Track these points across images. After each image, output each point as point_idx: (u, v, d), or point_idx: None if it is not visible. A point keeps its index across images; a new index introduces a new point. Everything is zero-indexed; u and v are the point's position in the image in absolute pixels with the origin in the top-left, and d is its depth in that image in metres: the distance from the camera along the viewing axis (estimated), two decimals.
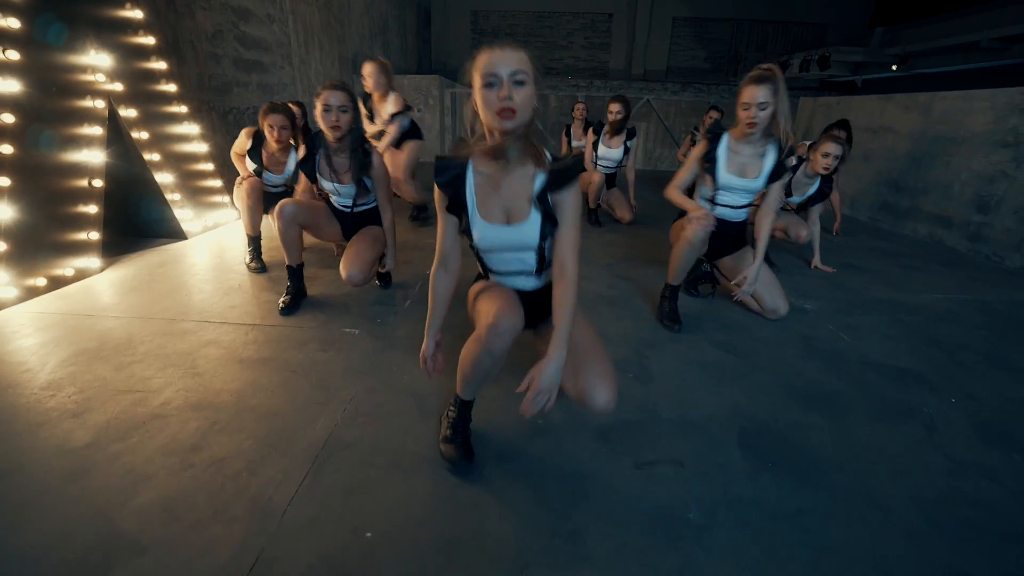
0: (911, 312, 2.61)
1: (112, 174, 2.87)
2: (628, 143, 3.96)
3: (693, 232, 2.10)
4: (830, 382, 1.88)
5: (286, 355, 1.88)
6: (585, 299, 2.50)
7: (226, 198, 3.81)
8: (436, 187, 1.25)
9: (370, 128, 3.69)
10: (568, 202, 1.18)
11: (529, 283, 1.35)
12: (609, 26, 13.01)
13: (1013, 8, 7.22)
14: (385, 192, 2.35)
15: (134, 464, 1.31)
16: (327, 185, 2.33)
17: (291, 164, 2.98)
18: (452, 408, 1.42)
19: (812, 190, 3.10)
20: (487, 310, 1.21)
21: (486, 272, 1.39)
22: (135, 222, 3.31)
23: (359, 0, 8.44)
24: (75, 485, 1.24)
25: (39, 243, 2.41)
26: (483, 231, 1.24)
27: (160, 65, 3.23)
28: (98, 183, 2.71)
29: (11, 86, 2.30)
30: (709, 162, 2.24)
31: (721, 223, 2.29)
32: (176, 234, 3.35)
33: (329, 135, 2.17)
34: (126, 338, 1.96)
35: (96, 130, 2.73)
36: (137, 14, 3.05)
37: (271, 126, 2.70)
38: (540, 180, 1.18)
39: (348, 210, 2.41)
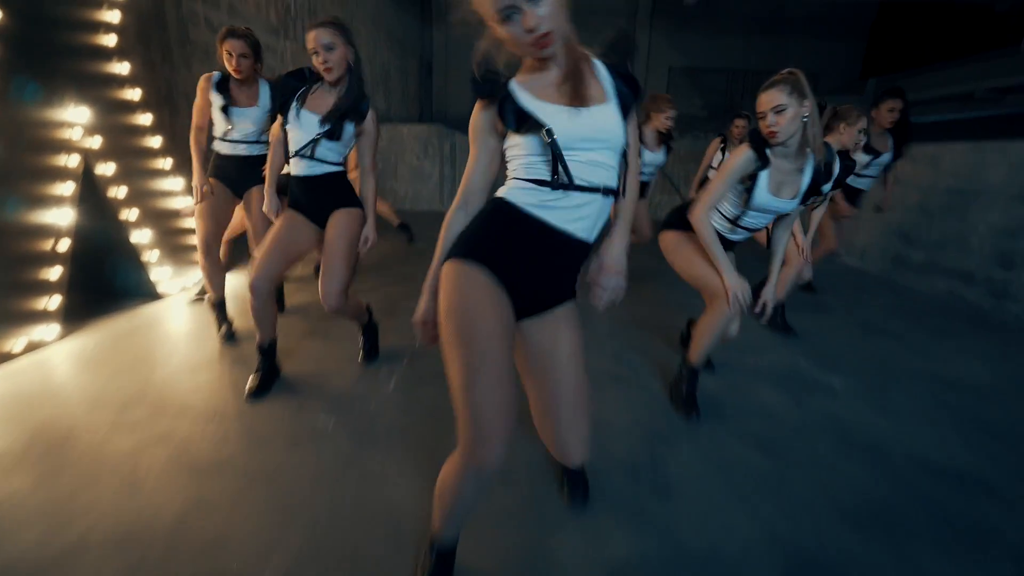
0: (951, 388, 2.36)
1: (82, 234, 2.68)
2: (669, 143, 3.55)
3: (725, 315, 1.85)
4: (878, 489, 1.61)
5: (245, 457, 1.62)
6: (591, 377, 2.26)
7: None
8: (477, 101, 1.04)
9: None
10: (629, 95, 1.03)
11: (595, 224, 1.03)
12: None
13: (1004, 61, 7.30)
14: (371, 156, 2.02)
15: None
16: (292, 121, 1.88)
17: (264, 99, 2.42)
18: (428, 556, 1.13)
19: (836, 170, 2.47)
20: (470, 396, 0.88)
21: (566, 179, 0.97)
22: (108, 283, 3.10)
23: (362, 50, 8.56)
24: None
25: None
26: (561, 119, 0.95)
27: (146, 119, 3.10)
28: (64, 245, 2.52)
29: None
30: (752, 179, 1.82)
31: (726, 243, 2.01)
32: (151, 295, 3.13)
33: (326, 78, 1.84)
34: (63, 434, 1.71)
35: (68, 188, 2.56)
36: (124, 68, 2.95)
37: (229, 52, 2.21)
38: (603, 71, 1.04)
39: (306, 162, 1.92)
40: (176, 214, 3.28)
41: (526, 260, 1.00)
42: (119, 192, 2.87)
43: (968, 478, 1.69)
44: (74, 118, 2.62)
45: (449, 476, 0.97)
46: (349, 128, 1.92)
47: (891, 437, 1.92)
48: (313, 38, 1.76)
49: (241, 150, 2.48)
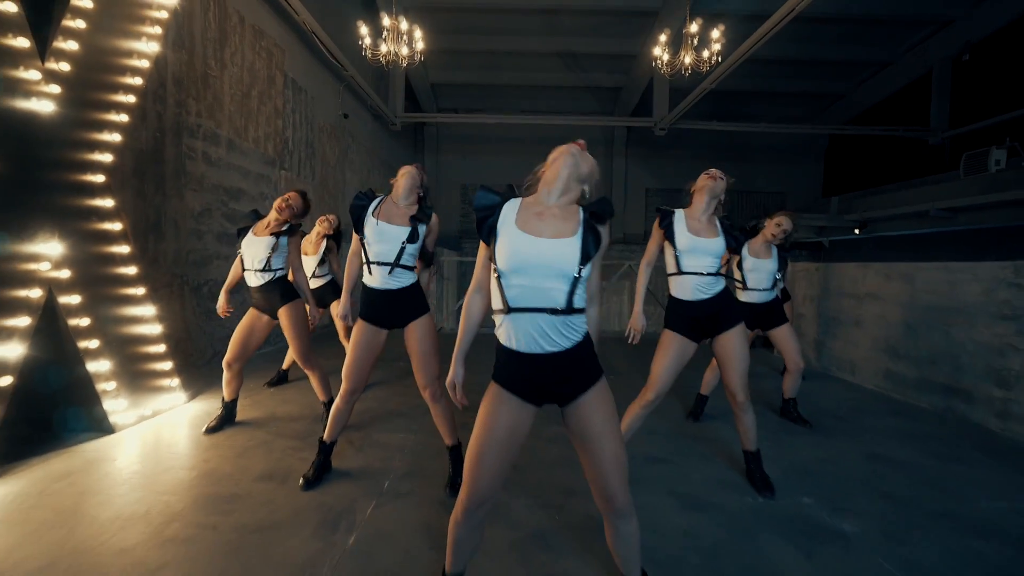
0: (978, 534, 2.11)
1: (30, 370, 2.52)
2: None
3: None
4: None
5: None
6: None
7: (174, 381, 3.42)
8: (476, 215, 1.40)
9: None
10: (604, 236, 1.37)
11: (551, 338, 1.32)
12: (586, 197, 14.20)
13: (952, 184, 7.95)
14: (432, 246, 2.45)
15: None
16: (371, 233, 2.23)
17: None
18: None
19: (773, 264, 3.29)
20: (474, 463, 1.36)
21: (506, 307, 1.32)
22: (55, 419, 2.87)
23: (354, 178, 9.14)
24: None
25: None
26: (518, 243, 1.30)
27: (122, 249, 3.10)
28: (6, 381, 2.35)
29: None
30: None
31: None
32: (102, 429, 2.89)
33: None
34: None
35: (22, 321, 2.45)
36: (108, 203, 3.01)
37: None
38: (583, 214, 1.38)
39: (387, 271, 2.25)
40: (142, 340, 3.16)
41: (524, 378, 1.36)
42: (81, 322, 2.77)
43: None
44: (44, 251, 2.60)
45: (452, 521, 1.42)
46: (422, 229, 2.27)
47: None
48: (403, 171, 2.31)
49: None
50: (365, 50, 5.95)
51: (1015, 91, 8.91)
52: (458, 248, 13.48)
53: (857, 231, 9.82)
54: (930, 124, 10.63)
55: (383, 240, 2.21)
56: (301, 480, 2.34)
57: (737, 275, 3.41)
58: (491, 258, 1.36)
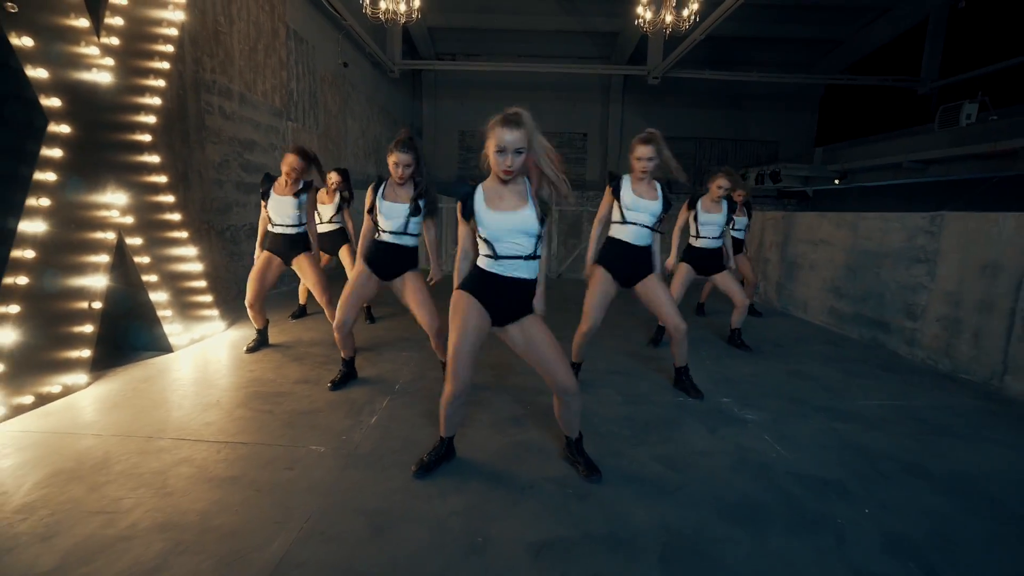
0: (846, 420, 2.82)
1: (111, 296, 3.14)
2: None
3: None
4: (758, 495, 2.03)
5: (253, 473, 2.02)
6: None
7: (214, 311, 4.07)
8: (459, 201, 1.90)
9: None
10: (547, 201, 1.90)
11: (523, 270, 1.89)
12: (584, 143, 14.40)
13: (926, 136, 8.29)
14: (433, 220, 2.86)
15: None
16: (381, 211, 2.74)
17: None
18: (438, 444, 2.12)
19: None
20: (455, 349, 1.89)
21: (495, 254, 1.87)
22: (126, 337, 3.53)
23: (355, 126, 9.44)
24: None
25: (33, 362, 2.61)
26: (491, 219, 1.84)
27: (168, 198, 3.65)
28: (97, 305, 2.97)
29: (38, 227, 2.65)
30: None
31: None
32: (163, 348, 3.55)
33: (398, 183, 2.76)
34: (103, 457, 2.10)
35: (103, 258, 3.04)
36: (155, 159, 3.52)
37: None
38: (527, 187, 1.90)
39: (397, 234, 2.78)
40: (188, 276, 3.78)
41: (493, 293, 1.91)
42: (143, 260, 3.37)
43: (830, 485, 2.12)
44: (113, 200, 3.15)
45: (443, 403, 1.98)
46: (422, 203, 2.76)
47: (781, 459, 2.35)
48: (396, 159, 2.63)
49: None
50: (364, 7, 6.19)
51: (1004, 43, 9.06)
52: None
53: (837, 181, 10.23)
54: (920, 74, 10.77)
55: (392, 217, 2.74)
56: (329, 383, 3.02)
57: (693, 228, 3.96)
58: (474, 229, 1.92)
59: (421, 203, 2.75)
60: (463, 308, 1.91)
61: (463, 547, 1.65)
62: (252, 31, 5.80)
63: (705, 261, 3.95)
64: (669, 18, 5.73)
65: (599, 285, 2.93)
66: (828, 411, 2.94)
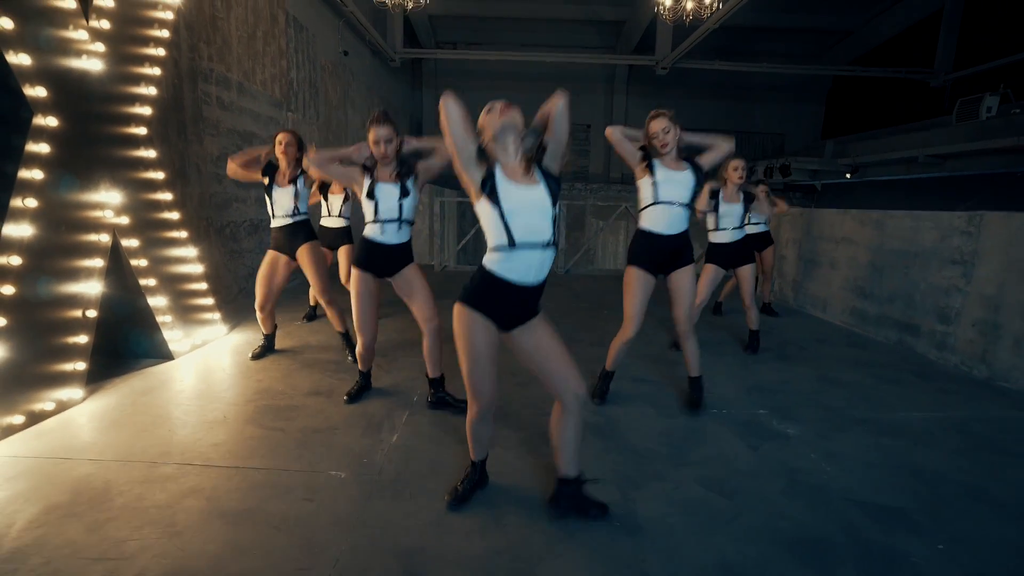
0: (890, 434, 2.66)
1: (106, 303, 2.94)
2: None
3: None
4: (816, 525, 1.87)
5: (269, 505, 1.84)
6: None
7: (216, 315, 3.87)
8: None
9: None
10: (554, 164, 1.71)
11: (537, 269, 1.66)
12: (588, 135, 14.15)
13: (940, 131, 8.11)
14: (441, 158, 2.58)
15: None
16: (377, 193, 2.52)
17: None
18: (469, 470, 1.96)
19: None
20: (470, 376, 1.74)
21: (511, 242, 1.62)
22: (123, 345, 3.33)
23: (356, 115, 9.17)
24: None
25: (23, 378, 2.41)
26: (510, 191, 1.62)
27: (166, 196, 3.43)
28: (92, 313, 2.77)
29: (24, 231, 2.43)
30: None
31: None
32: (163, 355, 3.36)
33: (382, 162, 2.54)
34: (103, 487, 1.91)
35: (97, 262, 2.83)
36: (151, 153, 3.30)
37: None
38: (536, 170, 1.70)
39: (396, 228, 2.58)
40: (188, 278, 3.57)
41: (501, 302, 1.69)
42: (140, 262, 3.15)
43: (892, 514, 1.96)
44: (107, 200, 2.94)
45: (468, 424, 1.84)
46: (410, 183, 2.56)
47: (832, 480, 2.20)
48: (375, 135, 2.43)
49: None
50: None
51: (1021, 33, 8.84)
52: (457, 187, 13.63)
53: (848, 175, 10.05)
54: (934, 65, 10.56)
55: (385, 198, 2.52)
56: (345, 396, 2.83)
57: (711, 222, 3.80)
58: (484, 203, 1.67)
59: (409, 183, 2.56)
60: (467, 328, 1.69)
61: None
62: (250, 17, 5.53)
63: (729, 255, 3.81)
64: (690, 5, 5.50)
65: (635, 285, 2.73)
66: (869, 423, 2.78)
